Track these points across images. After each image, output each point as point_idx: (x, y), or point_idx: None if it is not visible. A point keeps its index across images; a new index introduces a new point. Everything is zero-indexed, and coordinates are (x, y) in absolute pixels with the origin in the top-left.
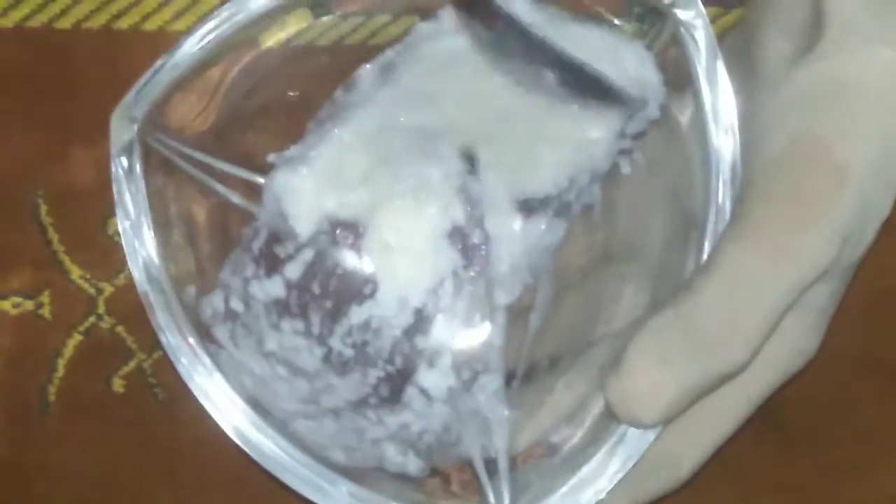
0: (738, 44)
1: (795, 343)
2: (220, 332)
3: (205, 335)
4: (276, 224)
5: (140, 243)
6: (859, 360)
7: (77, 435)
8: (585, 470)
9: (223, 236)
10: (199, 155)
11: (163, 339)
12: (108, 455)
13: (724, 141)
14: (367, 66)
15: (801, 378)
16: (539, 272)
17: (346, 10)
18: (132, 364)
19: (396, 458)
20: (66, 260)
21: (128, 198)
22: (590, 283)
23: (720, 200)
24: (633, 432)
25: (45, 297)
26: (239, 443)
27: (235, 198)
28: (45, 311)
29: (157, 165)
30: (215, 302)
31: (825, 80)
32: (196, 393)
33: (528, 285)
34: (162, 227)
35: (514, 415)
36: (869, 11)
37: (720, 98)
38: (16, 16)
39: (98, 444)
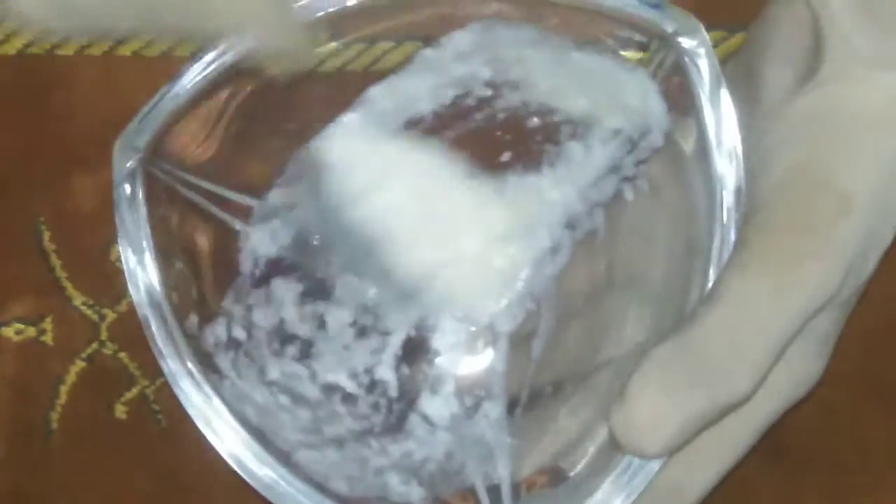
0: (738, 70)
1: (798, 371)
2: (223, 361)
3: (207, 364)
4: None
5: (142, 271)
6: (865, 385)
7: (80, 461)
8: (590, 501)
9: (226, 264)
10: (201, 182)
11: (163, 365)
12: (111, 482)
13: (728, 168)
14: (374, 87)
15: (806, 403)
16: (542, 299)
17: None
18: (135, 391)
19: (399, 487)
20: (69, 286)
21: (130, 225)
22: (593, 309)
23: (724, 227)
24: (638, 463)
25: (47, 324)
26: (238, 470)
27: (238, 225)
28: (48, 338)
29: (159, 193)
30: (218, 330)
31: (827, 106)
32: (196, 420)
33: (531, 312)
34: (164, 254)
35: (517, 442)
36: (869, 37)
37: (724, 126)
38: (18, 43)
39: (101, 471)
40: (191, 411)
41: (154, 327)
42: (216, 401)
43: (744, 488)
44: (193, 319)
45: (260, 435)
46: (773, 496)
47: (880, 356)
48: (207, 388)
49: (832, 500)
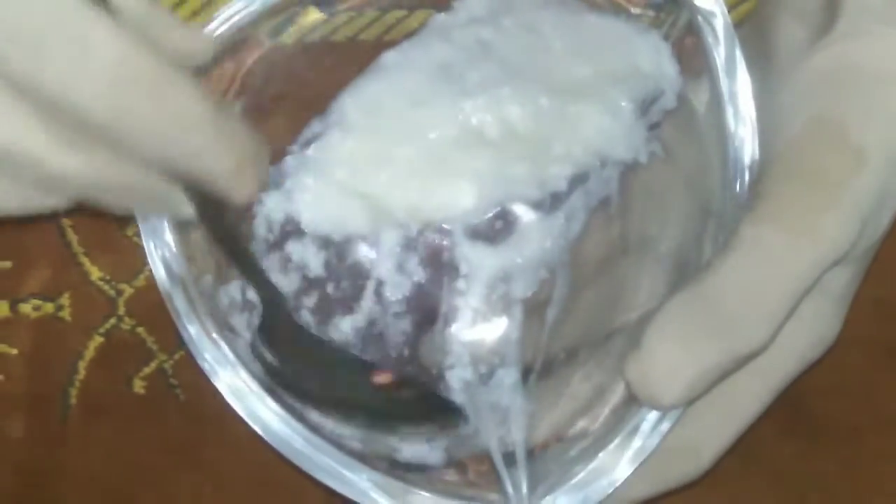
0: (753, 28)
1: (814, 330)
2: (238, 322)
3: (223, 324)
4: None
5: (159, 238)
6: (880, 350)
7: (98, 436)
8: (601, 459)
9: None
10: None
11: (185, 334)
12: (130, 456)
13: (742, 130)
14: (391, 51)
15: (823, 368)
16: (556, 266)
17: (351, 6)
18: (153, 365)
19: (415, 447)
20: (86, 262)
21: None
22: (606, 275)
23: (738, 189)
24: (648, 423)
25: (64, 300)
26: (259, 431)
27: None
28: (66, 314)
29: None
30: (232, 291)
31: (841, 63)
32: (220, 387)
33: (545, 279)
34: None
35: (532, 407)
36: None
37: (738, 87)
38: None
39: (119, 446)
40: (213, 378)
41: (172, 294)
42: (238, 367)
43: (760, 452)
44: (208, 280)
45: (276, 394)
46: (790, 460)
47: (895, 321)
48: (228, 353)
49: (848, 464)
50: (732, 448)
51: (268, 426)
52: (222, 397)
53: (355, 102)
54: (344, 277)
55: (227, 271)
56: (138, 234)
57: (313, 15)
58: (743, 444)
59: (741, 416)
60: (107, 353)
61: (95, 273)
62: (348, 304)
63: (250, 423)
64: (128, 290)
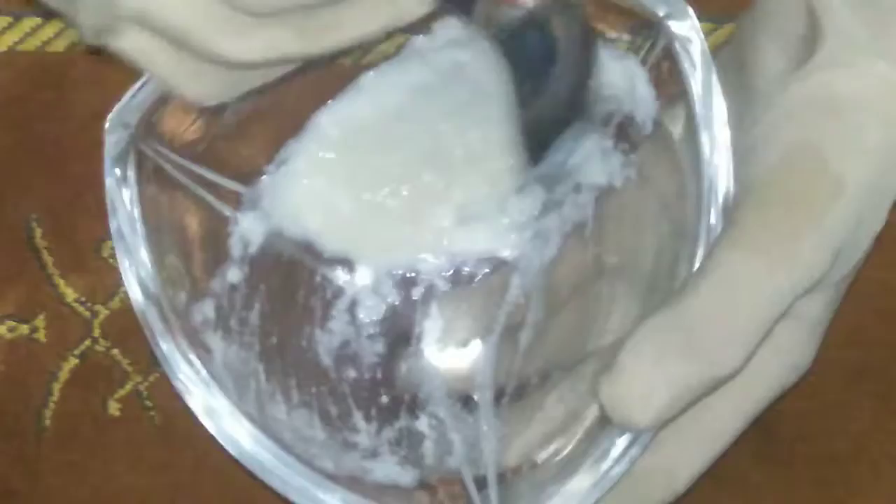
0: (730, 56)
1: (789, 356)
2: (211, 339)
3: (196, 342)
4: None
5: (133, 250)
6: (856, 374)
7: (73, 458)
8: (571, 482)
9: (215, 246)
10: (191, 165)
11: (158, 353)
12: (105, 479)
13: (717, 156)
14: (370, 72)
15: (798, 392)
16: (530, 290)
17: None
18: (128, 387)
19: (386, 468)
20: (61, 283)
21: (121, 205)
22: (580, 298)
23: (712, 215)
24: (618, 447)
25: (39, 321)
26: (231, 451)
27: (227, 210)
28: (40, 335)
29: (150, 173)
30: (205, 309)
31: (821, 92)
32: (193, 407)
33: (519, 303)
34: (155, 234)
35: (504, 430)
36: (864, 24)
37: (714, 112)
38: (8, 39)
39: (94, 468)
40: (185, 396)
41: (146, 310)
42: (211, 384)
43: (735, 476)
44: (182, 297)
45: (248, 414)
46: (765, 484)
47: (870, 345)
48: (202, 372)
49: (824, 488)
50: (707, 472)
51: (240, 446)
52: (197, 420)
53: (333, 118)
54: (316, 294)
55: (200, 283)
56: (113, 256)
57: None
58: (717, 468)
59: (716, 441)
60: (81, 374)
61: (70, 295)
62: (320, 322)
63: (222, 442)
64: (103, 312)
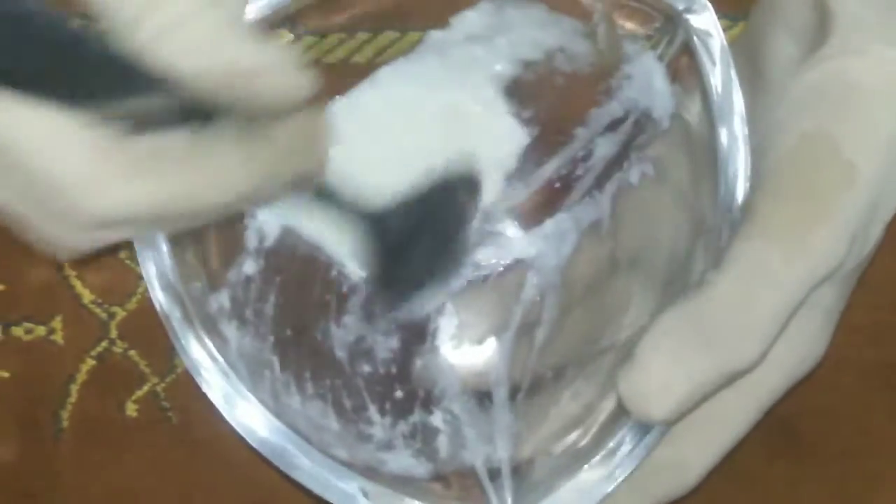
0: (743, 46)
1: (802, 346)
2: (226, 328)
3: (212, 329)
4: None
5: (152, 243)
6: (873, 371)
7: (91, 460)
8: (585, 474)
9: (232, 238)
10: None
11: (174, 340)
12: (122, 480)
13: (735, 150)
14: (386, 67)
15: (815, 390)
16: (545, 287)
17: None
18: (145, 388)
19: (400, 460)
20: (78, 285)
21: None
22: (596, 294)
23: (730, 209)
24: (632, 439)
25: (56, 323)
26: (248, 438)
27: None
28: (58, 337)
29: None
30: (221, 299)
31: (832, 80)
32: (207, 392)
33: (535, 301)
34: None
35: (519, 425)
36: (874, 11)
37: (732, 107)
38: None
39: (112, 469)
40: (198, 380)
41: (165, 306)
42: (230, 374)
43: (751, 474)
44: (197, 286)
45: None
46: (781, 482)
47: (889, 342)
48: (216, 354)
49: (839, 486)
50: (723, 469)
51: (256, 434)
52: (214, 420)
53: (347, 110)
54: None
55: (217, 274)
56: (130, 257)
57: (284, 36)
58: (734, 466)
59: (728, 433)
60: (99, 376)
61: (87, 296)
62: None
63: (238, 430)
64: (120, 313)
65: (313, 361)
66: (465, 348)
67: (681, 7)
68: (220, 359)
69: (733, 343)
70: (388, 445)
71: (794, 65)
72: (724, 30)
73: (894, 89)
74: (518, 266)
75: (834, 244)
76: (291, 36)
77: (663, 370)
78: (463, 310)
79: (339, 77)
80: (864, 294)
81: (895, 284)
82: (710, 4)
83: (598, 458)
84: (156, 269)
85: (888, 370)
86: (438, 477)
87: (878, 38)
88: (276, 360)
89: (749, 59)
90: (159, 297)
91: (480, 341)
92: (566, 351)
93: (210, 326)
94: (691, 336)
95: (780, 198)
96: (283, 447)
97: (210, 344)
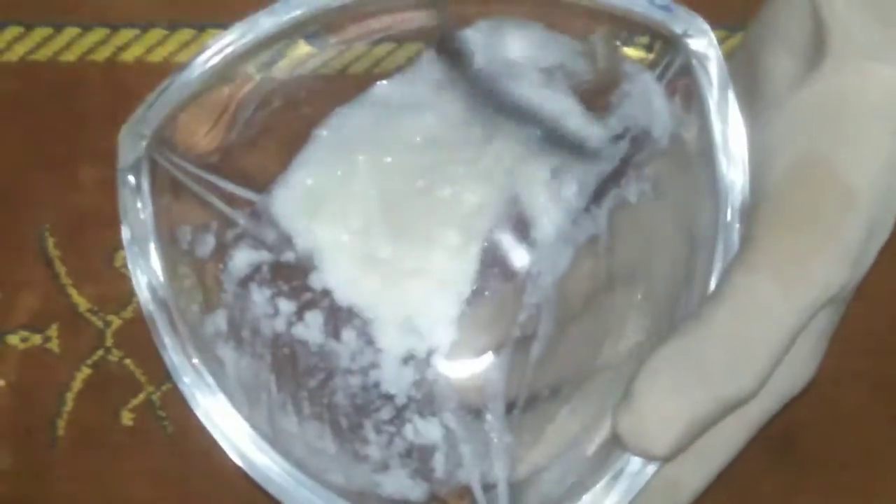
0: (740, 62)
1: (795, 369)
2: (223, 351)
3: (207, 353)
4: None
5: (145, 261)
6: (871, 384)
7: (86, 468)
8: (585, 500)
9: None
10: (205, 175)
11: (166, 358)
12: (118, 488)
13: (734, 172)
14: (383, 82)
15: (812, 402)
16: (542, 303)
17: (342, 40)
18: (141, 397)
19: (396, 483)
20: (74, 293)
21: (133, 215)
22: (592, 311)
23: (729, 231)
24: (632, 466)
25: (52, 331)
26: (240, 463)
27: (241, 219)
28: (53, 345)
29: (163, 183)
30: (218, 320)
31: (828, 99)
32: (198, 413)
33: (531, 315)
34: (167, 244)
35: (515, 443)
36: (872, 29)
37: (730, 130)
38: (20, 49)
39: (107, 478)
40: (193, 405)
41: (156, 319)
42: (220, 396)
43: (747, 484)
44: (194, 309)
45: (259, 428)
46: (778, 492)
47: (886, 355)
48: (211, 382)
49: (838, 496)
50: (720, 481)
51: (249, 459)
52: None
53: (334, 127)
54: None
55: (212, 293)
56: (126, 266)
57: (303, 49)
58: (730, 477)
59: (721, 454)
60: (95, 384)
61: (83, 304)
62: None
63: (227, 450)
64: (116, 322)
65: (310, 379)
66: (461, 363)
67: (679, 30)
68: (210, 379)
69: (731, 377)
70: (384, 465)
71: (792, 80)
72: (722, 40)
73: (889, 108)
74: (514, 280)
75: (835, 272)
76: (310, 48)
77: (661, 406)
78: (460, 324)
79: (338, 88)
80: (862, 306)
81: (893, 297)
82: (709, 28)
83: (599, 484)
84: (148, 286)
85: (886, 383)
86: (434, 499)
87: (876, 55)
88: (272, 380)
89: (746, 73)
90: (149, 313)
91: (477, 356)
92: (563, 367)
93: (205, 350)
94: (688, 370)
95: (777, 226)
96: (275, 472)
97: (200, 365)
